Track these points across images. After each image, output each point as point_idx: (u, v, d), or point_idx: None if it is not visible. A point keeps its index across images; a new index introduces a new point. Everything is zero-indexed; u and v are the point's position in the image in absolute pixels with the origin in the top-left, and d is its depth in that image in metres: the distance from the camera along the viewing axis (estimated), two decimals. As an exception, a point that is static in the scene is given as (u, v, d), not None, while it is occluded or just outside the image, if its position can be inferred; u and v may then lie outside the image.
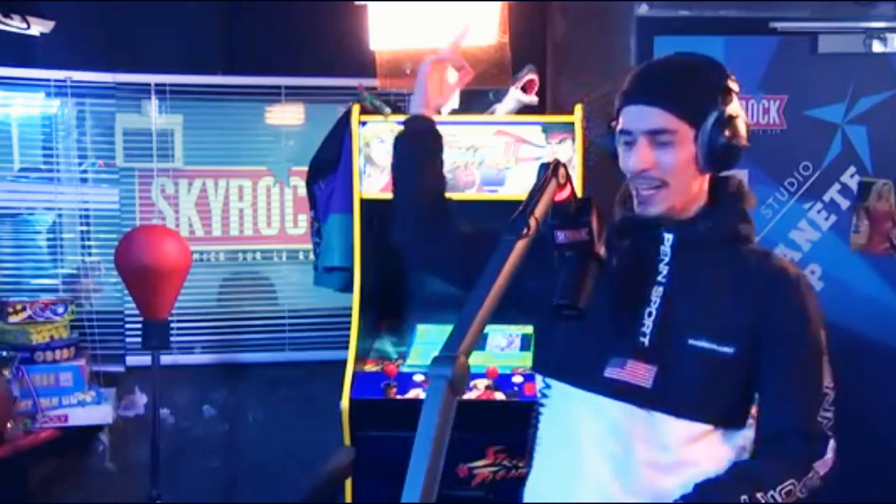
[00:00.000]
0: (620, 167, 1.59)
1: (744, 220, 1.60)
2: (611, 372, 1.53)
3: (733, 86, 1.55)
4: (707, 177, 1.58)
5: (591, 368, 1.54)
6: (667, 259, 1.56)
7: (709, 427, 1.51)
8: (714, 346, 1.50)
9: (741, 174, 3.37)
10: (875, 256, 3.37)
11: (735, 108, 1.53)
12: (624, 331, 1.54)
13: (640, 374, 1.51)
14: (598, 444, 1.52)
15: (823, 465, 1.47)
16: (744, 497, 1.41)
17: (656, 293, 1.55)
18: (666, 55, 1.63)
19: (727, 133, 1.49)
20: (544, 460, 1.63)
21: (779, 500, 1.42)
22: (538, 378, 1.67)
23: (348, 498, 2.74)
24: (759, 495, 1.41)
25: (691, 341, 1.50)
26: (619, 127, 1.55)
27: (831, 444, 1.48)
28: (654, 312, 1.54)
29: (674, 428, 1.50)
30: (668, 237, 1.57)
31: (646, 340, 1.53)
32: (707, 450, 1.52)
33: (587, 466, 1.52)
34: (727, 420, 1.53)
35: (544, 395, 1.62)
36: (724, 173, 1.60)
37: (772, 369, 1.51)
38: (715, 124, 1.50)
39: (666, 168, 1.51)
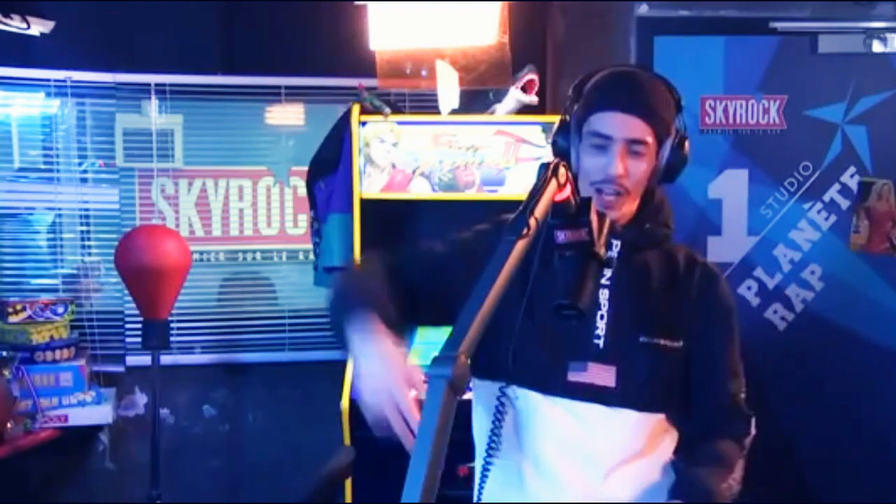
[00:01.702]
0: (580, 169, 1.60)
1: (671, 219, 1.68)
2: (574, 376, 1.55)
3: (682, 104, 1.64)
4: None
5: (553, 374, 1.55)
6: (611, 263, 1.60)
7: (662, 415, 1.59)
8: (663, 342, 1.57)
9: (741, 174, 3.40)
10: (875, 256, 3.37)
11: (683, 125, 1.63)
12: (578, 335, 1.56)
13: (603, 375, 1.55)
14: (578, 448, 1.54)
15: (750, 441, 1.60)
16: (724, 484, 1.50)
17: (603, 296, 1.58)
18: (625, 69, 1.66)
19: (683, 149, 1.60)
20: (510, 467, 1.58)
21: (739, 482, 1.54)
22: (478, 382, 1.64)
23: (348, 498, 2.74)
24: (731, 478, 1.52)
25: (642, 339, 1.56)
26: (590, 129, 1.58)
27: (753, 420, 1.62)
28: (605, 315, 1.57)
29: (639, 420, 1.55)
30: (616, 243, 1.61)
31: (601, 343, 1.56)
32: (666, 432, 1.60)
33: (572, 474, 1.54)
34: (678, 406, 1.62)
35: (501, 403, 1.54)
36: None
37: (707, 359, 1.61)
38: (676, 140, 1.60)
39: (634, 177, 1.57)
